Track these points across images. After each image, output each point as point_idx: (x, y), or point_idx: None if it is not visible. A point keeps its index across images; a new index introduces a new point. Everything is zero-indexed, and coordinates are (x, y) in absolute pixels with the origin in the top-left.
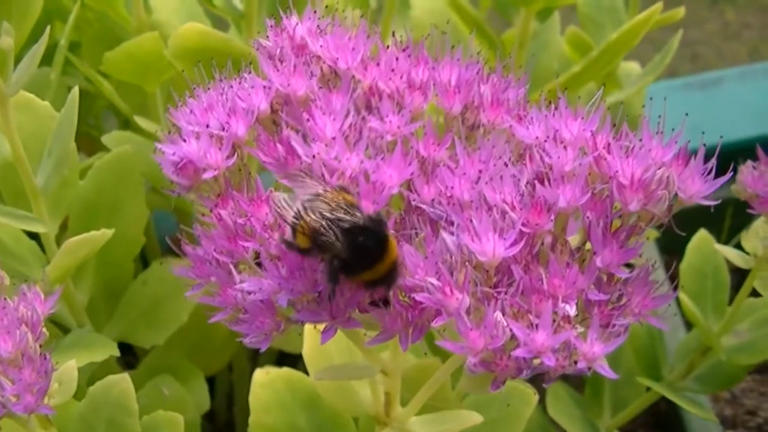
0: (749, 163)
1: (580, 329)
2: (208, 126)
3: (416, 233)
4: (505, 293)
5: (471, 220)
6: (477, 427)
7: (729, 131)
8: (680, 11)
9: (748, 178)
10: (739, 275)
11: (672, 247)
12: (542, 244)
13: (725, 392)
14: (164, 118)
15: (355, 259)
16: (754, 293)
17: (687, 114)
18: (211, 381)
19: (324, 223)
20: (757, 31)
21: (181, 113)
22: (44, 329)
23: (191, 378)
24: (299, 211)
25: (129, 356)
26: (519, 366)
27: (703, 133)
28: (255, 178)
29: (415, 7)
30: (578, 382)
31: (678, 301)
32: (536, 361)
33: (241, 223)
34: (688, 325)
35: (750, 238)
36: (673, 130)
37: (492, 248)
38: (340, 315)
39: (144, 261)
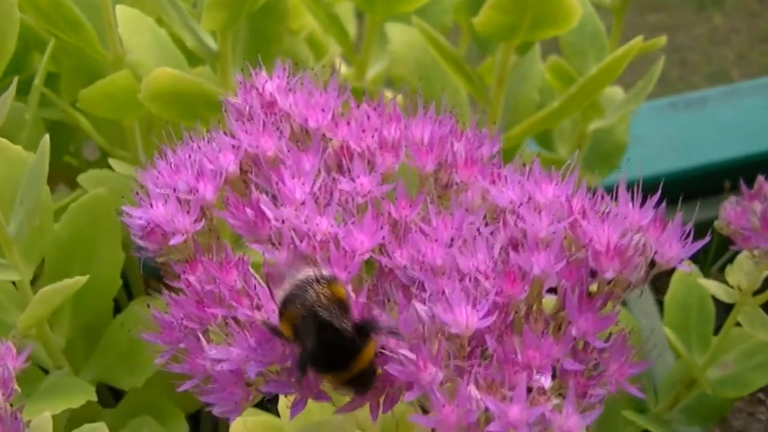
0: (732, 198)
1: (556, 401)
2: (175, 190)
3: (388, 299)
4: (479, 365)
5: (443, 291)
6: None
7: (715, 151)
8: (661, 40)
9: (731, 214)
10: (724, 306)
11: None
12: (516, 312)
13: None
14: (142, 151)
15: (321, 356)
16: (740, 324)
17: (672, 134)
18: (196, 415)
19: (303, 313)
20: (744, 36)
21: (149, 175)
22: (16, 386)
23: (171, 418)
24: (286, 299)
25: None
26: None
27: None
28: (224, 243)
29: (393, 40)
30: None
31: (661, 310)
32: None
33: (210, 289)
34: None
35: (734, 272)
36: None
37: (465, 319)
38: (310, 388)
39: (127, 290)
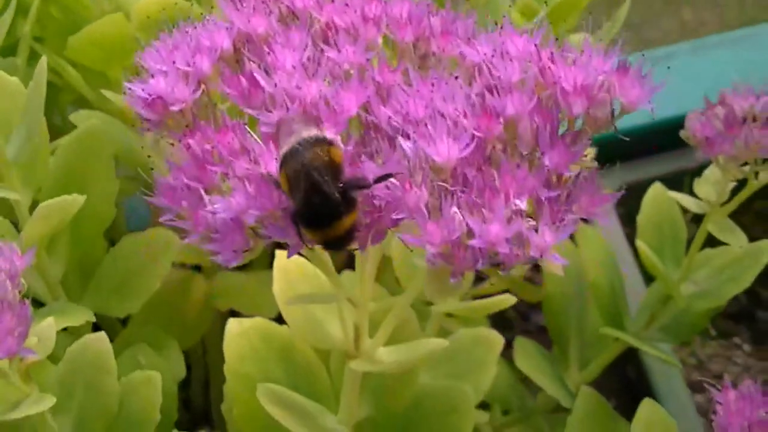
0: (696, 109)
1: (532, 222)
2: (174, 63)
3: (376, 152)
4: (461, 192)
5: (426, 125)
6: (447, 376)
7: (682, 104)
8: None
9: (696, 124)
10: (696, 228)
11: (632, 216)
12: (494, 149)
13: (692, 358)
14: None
15: (305, 214)
16: (709, 243)
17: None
18: (187, 370)
19: (298, 170)
20: (713, 29)
21: (148, 54)
22: (23, 282)
23: (166, 347)
24: (286, 154)
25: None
26: (475, 257)
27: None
28: (220, 111)
29: None
30: (546, 341)
31: (637, 257)
32: (491, 252)
33: (208, 149)
34: (647, 281)
35: (702, 184)
36: None
37: (447, 150)
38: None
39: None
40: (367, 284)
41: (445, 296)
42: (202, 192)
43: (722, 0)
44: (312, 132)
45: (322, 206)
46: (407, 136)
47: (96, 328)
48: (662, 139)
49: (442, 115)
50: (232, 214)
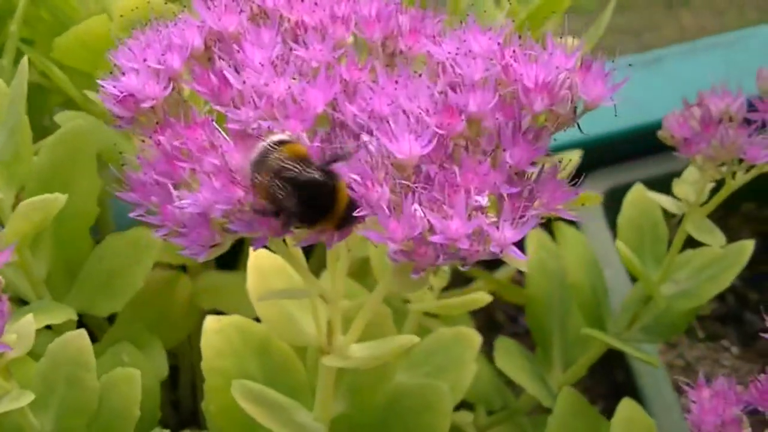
0: (674, 110)
1: (493, 218)
2: (145, 60)
3: (342, 148)
4: (423, 189)
5: (389, 122)
6: (426, 375)
7: (673, 107)
8: None
9: (673, 124)
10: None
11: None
12: (456, 146)
13: (680, 360)
14: None
15: (308, 211)
16: (695, 245)
17: (630, 93)
18: (174, 371)
19: (276, 182)
20: (712, 33)
21: (121, 52)
22: (1, 278)
23: (149, 346)
24: (252, 168)
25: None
26: (436, 252)
27: None
28: (190, 107)
29: None
30: (530, 345)
31: (620, 259)
32: (452, 248)
33: (178, 146)
34: (631, 282)
35: (681, 184)
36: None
37: (408, 147)
38: (272, 226)
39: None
40: (338, 281)
41: (411, 291)
42: (171, 187)
43: (722, 6)
44: (261, 146)
45: (317, 191)
46: (371, 133)
47: (83, 327)
48: (653, 141)
49: (405, 113)
50: (199, 209)
